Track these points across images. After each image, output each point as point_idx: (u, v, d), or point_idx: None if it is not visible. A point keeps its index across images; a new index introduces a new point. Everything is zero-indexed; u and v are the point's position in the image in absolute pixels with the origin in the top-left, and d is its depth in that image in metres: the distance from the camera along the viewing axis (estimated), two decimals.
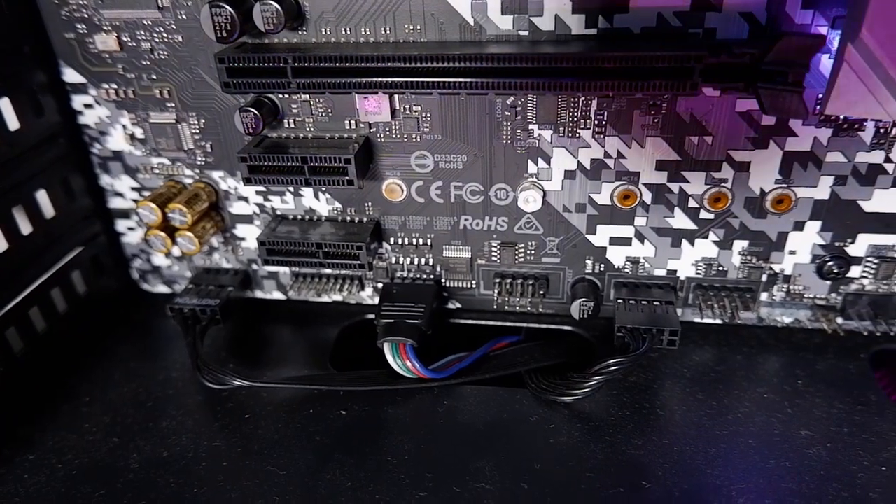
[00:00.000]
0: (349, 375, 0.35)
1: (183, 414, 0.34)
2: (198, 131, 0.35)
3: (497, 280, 0.36)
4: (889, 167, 0.30)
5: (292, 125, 0.33)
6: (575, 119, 0.31)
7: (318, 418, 0.33)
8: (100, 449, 0.32)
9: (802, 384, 0.33)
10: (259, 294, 0.40)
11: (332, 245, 0.35)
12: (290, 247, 0.35)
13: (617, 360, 0.32)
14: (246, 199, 0.37)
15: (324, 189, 0.36)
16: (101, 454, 0.32)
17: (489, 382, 0.35)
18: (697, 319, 0.36)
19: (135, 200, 0.38)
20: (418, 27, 0.30)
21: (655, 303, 0.34)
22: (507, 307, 0.37)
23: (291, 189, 0.36)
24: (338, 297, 0.39)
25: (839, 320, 0.34)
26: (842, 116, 0.29)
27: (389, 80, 0.29)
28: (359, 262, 0.35)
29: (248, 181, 0.33)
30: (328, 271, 0.38)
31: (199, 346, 0.35)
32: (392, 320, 0.35)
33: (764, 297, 0.35)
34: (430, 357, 0.36)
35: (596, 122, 0.31)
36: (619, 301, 0.34)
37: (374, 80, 0.29)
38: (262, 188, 0.36)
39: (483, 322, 0.39)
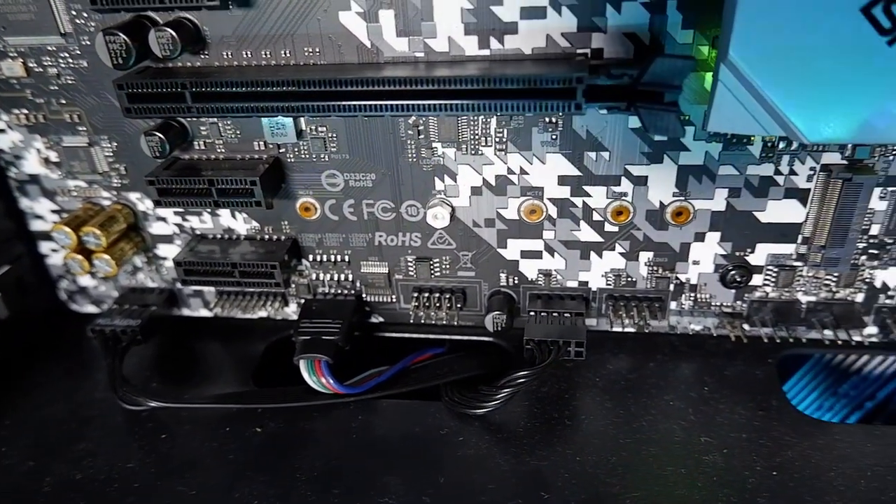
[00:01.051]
0: (265, 393, 0.36)
1: (102, 435, 0.34)
2: (111, 154, 0.35)
3: (415, 294, 0.37)
4: (780, 179, 0.31)
5: (203, 147, 0.34)
6: (476, 137, 0.32)
7: (233, 436, 0.33)
8: (14, 472, 0.32)
9: (709, 391, 0.34)
10: (186, 312, 0.41)
11: (247, 265, 0.35)
12: (206, 267, 0.35)
13: (523, 373, 0.32)
14: (164, 220, 0.37)
15: (240, 209, 0.36)
16: (14, 477, 0.32)
17: (406, 396, 0.35)
18: (614, 329, 0.37)
19: (55, 223, 0.38)
20: (317, 50, 0.30)
21: (566, 314, 0.35)
22: (423, 321, 0.37)
23: (209, 209, 0.36)
24: (263, 314, 0.40)
25: (745, 327, 0.35)
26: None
27: (286, 104, 0.29)
28: (274, 280, 0.35)
29: (157, 204, 0.33)
30: (251, 289, 0.38)
31: (117, 366, 0.35)
32: (309, 337, 0.35)
33: (673, 305, 0.36)
34: (356, 370, 0.37)
35: (497, 139, 0.32)
36: (531, 313, 0.35)
37: (272, 104, 0.29)
38: (179, 208, 0.36)
39: (408, 335, 0.40)
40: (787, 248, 0.33)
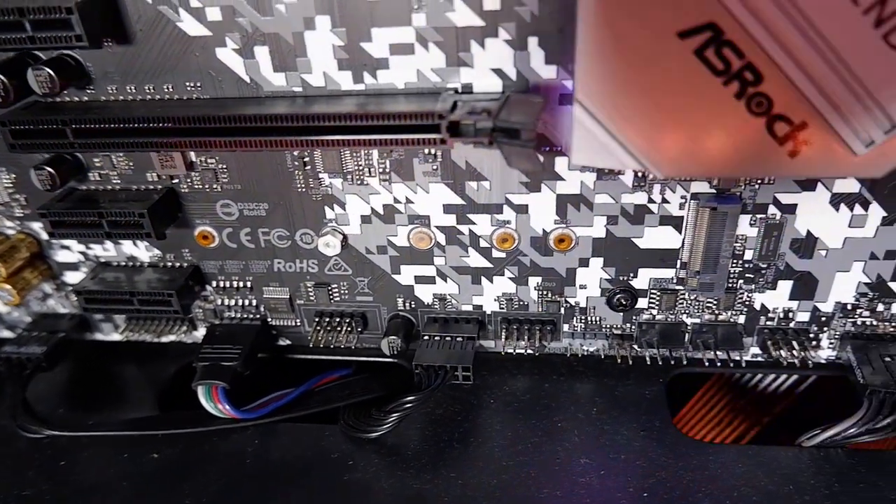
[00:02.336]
0: (166, 418, 0.36)
1: (1, 463, 0.35)
2: (10, 185, 0.35)
3: (317, 318, 0.38)
4: (654, 207, 0.32)
5: (98, 178, 0.34)
6: (360, 168, 0.32)
7: (131, 462, 0.34)
8: None
9: (597, 412, 0.35)
10: (99, 336, 0.41)
11: (144, 293, 0.35)
12: (106, 295, 0.36)
13: (410, 399, 0.33)
14: (68, 248, 0.37)
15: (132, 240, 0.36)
16: None
17: (306, 419, 0.36)
18: (509, 350, 0.38)
19: None
20: (198, 84, 0.31)
21: (458, 339, 0.35)
22: (322, 344, 0.38)
23: (106, 240, 0.37)
24: (172, 338, 0.40)
25: (635, 348, 0.36)
26: None
27: (163, 140, 0.29)
28: (172, 308, 0.36)
29: (52, 235, 0.34)
30: (155, 315, 0.39)
31: (17, 394, 0.36)
32: (209, 363, 0.36)
33: (566, 328, 0.36)
34: (267, 392, 0.37)
35: (380, 170, 0.32)
36: (425, 337, 0.36)
37: (149, 139, 0.29)
38: (74, 240, 0.37)
39: (318, 357, 0.40)
40: (668, 273, 0.34)
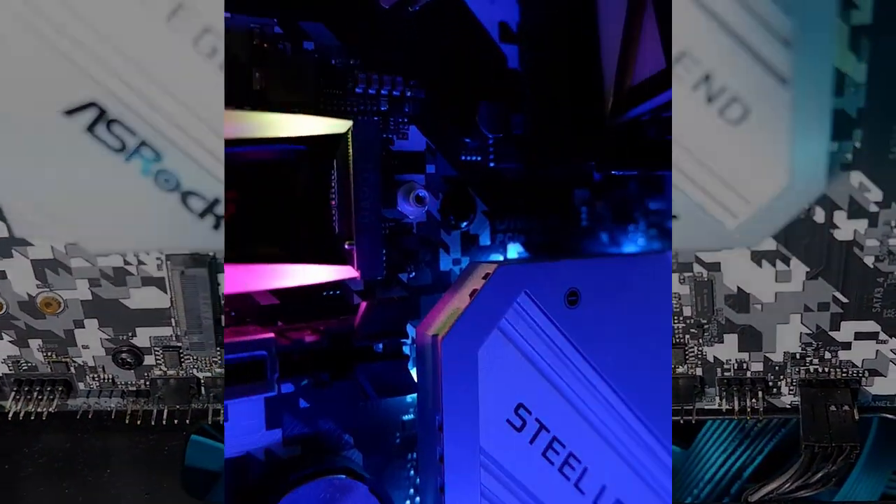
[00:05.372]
0: None
1: None
2: None
3: None
4: (132, 269, 0.33)
5: None
6: None
7: None
8: None
9: (110, 473, 0.35)
10: None
11: None
12: None
13: None
14: None
15: None
16: None
17: None
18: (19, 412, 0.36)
19: None
20: None
21: None
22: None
23: None
24: None
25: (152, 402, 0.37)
26: None
27: None
28: None
29: None
30: None
31: None
32: None
33: (81, 386, 0.36)
34: None
35: None
36: None
37: None
38: None
39: None
40: (167, 332, 0.35)
